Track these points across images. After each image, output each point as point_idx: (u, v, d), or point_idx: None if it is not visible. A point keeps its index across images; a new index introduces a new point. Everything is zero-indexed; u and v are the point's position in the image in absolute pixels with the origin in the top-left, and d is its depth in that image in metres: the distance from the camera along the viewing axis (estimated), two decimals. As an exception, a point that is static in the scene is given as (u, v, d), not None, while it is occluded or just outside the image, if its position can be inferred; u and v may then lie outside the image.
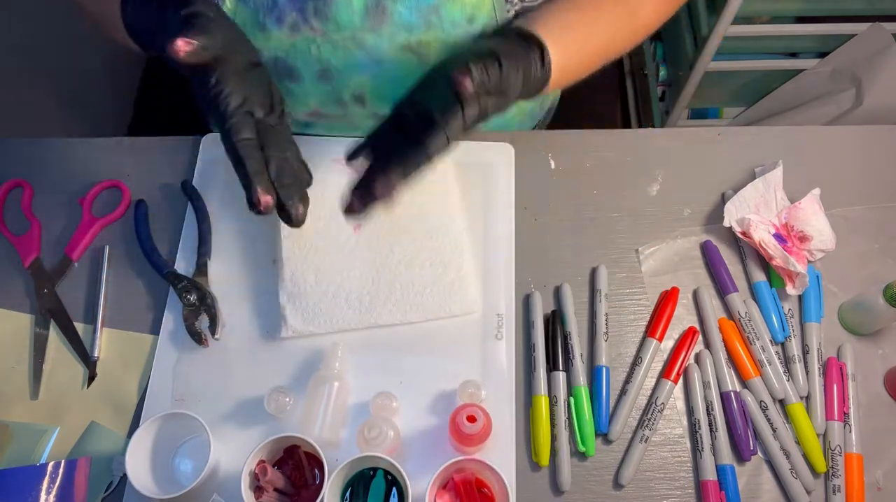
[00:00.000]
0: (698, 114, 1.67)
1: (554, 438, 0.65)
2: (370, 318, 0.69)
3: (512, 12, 0.71)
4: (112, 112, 1.78)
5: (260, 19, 0.67)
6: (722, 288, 0.72)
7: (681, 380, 0.69)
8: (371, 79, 0.72)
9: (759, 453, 0.65)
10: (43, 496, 0.62)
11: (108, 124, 1.76)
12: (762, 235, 0.71)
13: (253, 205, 0.52)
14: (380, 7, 0.67)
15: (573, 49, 0.64)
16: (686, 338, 0.70)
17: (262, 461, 0.60)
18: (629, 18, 0.68)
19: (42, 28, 1.47)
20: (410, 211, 0.73)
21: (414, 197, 0.73)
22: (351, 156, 0.56)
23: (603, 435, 0.66)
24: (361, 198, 0.52)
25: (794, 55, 1.46)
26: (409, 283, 0.70)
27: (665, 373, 0.68)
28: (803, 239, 0.72)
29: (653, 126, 1.67)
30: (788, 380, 0.67)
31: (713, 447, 0.65)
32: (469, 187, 0.76)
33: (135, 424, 0.67)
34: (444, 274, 0.70)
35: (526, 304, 0.72)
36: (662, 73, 1.67)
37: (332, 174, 0.73)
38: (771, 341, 0.69)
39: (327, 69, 0.71)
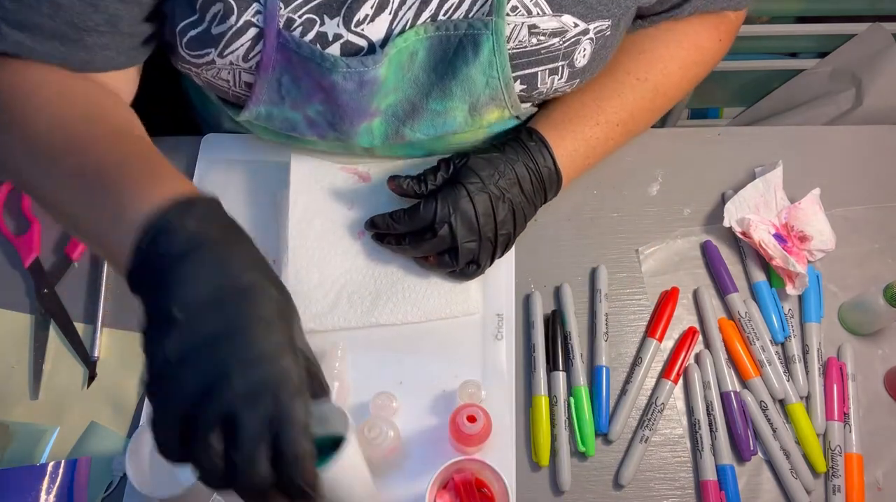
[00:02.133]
0: (698, 114, 1.67)
1: (554, 438, 0.65)
2: (371, 317, 0.69)
3: (531, 104, 0.72)
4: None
5: (281, 132, 0.70)
6: (722, 288, 0.72)
7: (681, 380, 0.69)
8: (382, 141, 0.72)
9: (759, 453, 0.65)
10: (43, 496, 0.62)
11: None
12: (762, 235, 0.71)
13: None
14: (399, 134, 0.68)
15: (589, 141, 0.71)
16: (686, 339, 0.70)
17: (262, 461, 0.60)
18: (652, 97, 0.73)
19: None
20: None
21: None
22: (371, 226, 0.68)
23: (603, 435, 0.66)
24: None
25: (794, 55, 1.46)
26: (411, 284, 0.70)
27: (665, 373, 0.68)
28: (803, 239, 0.72)
29: (653, 126, 1.67)
30: (788, 380, 0.67)
31: (713, 447, 0.65)
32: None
33: (135, 424, 0.67)
34: (444, 276, 0.70)
35: (526, 304, 0.72)
36: (662, 73, 1.66)
37: (337, 180, 0.74)
38: (771, 341, 0.69)
39: None
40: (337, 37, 0.59)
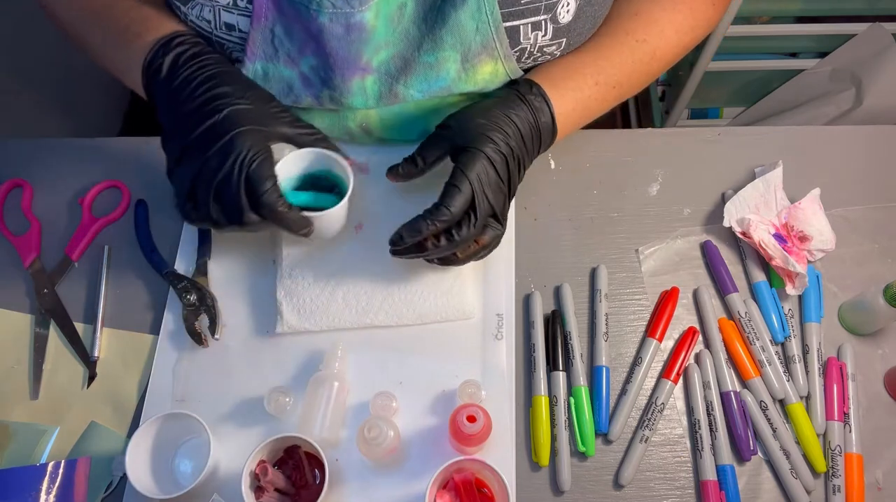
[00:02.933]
0: (698, 114, 1.67)
1: (554, 438, 0.65)
2: (366, 319, 0.69)
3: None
4: (112, 112, 1.78)
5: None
6: (722, 288, 0.72)
7: (681, 380, 0.69)
8: (378, 111, 0.72)
9: (759, 453, 0.65)
10: (43, 496, 0.62)
11: (107, 124, 1.76)
12: (762, 235, 0.71)
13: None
14: (392, 92, 0.68)
15: (586, 100, 0.69)
16: (686, 338, 0.70)
17: (263, 461, 0.60)
18: (648, 60, 0.71)
19: (41, 27, 1.47)
20: (411, 214, 0.73)
21: (412, 191, 0.74)
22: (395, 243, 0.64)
23: (603, 435, 0.66)
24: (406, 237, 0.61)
25: (794, 55, 1.46)
26: (407, 286, 0.70)
27: (665, 372, 0.68)
28: (803, 239, 0.72)
29: (653, 126, 1.67)
30: (788, 380, 0.67)
31: (713, 447, 0.65)
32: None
33: (135, 424, 0.67)
34: (442, 278, 0.70)
35: (526, 304, 0.72)
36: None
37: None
38: (771, 341, 0.69)
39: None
40: None
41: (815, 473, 0.65)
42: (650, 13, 0.70)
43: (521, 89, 0.65)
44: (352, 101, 0.68)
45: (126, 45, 0.64)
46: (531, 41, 0.65)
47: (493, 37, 0.64)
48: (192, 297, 0.70)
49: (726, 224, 0.73)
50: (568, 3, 0.63)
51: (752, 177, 0.77)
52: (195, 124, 0.58)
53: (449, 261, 0.65)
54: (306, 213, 0.61)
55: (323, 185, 0.66)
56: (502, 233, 0.64)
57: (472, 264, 0.71)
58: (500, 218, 0.63)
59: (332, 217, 0.63)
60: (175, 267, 0.73)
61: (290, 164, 0.63)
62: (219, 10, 0.63)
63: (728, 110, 1.65)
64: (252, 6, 0.62)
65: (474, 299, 0.70)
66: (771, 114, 1.51)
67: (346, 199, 0.63)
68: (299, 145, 0.62)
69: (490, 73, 0.68)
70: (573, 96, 0.67)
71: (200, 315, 0.70)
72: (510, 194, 0.64)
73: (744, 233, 0.72)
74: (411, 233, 0.60)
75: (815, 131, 0.83)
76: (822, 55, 1.42)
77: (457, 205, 0.60)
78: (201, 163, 0.57)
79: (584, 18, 0.66)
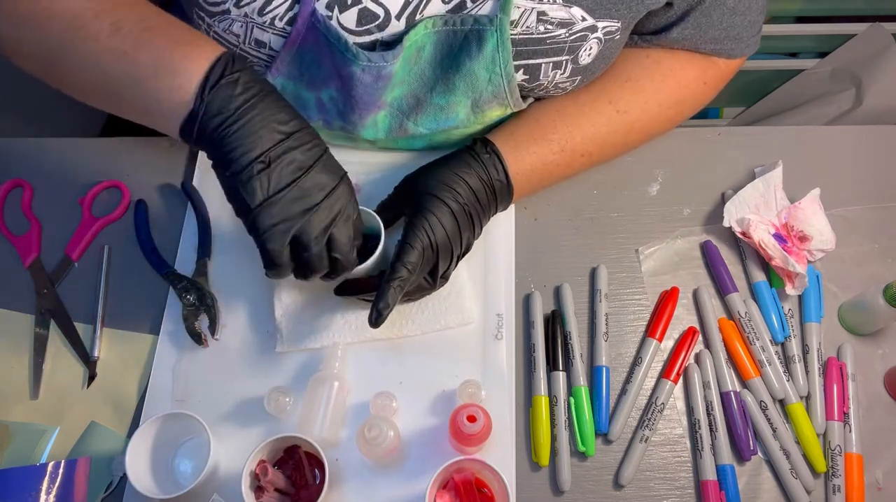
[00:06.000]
0: (698, 114, 1.67)
1: (554, 438, 0.65)
2: (366, 333, 0.69)
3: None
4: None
5: None
6: (722, 288, 0.72)
7: (681, 380, 0.69)
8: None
9: (759, 453, 0.65)
10: (43, 496, 0.62)
11: (106, 123, 1.76)
12: (762, 235, 0.71)
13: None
14: (402, 127, 0.69)
15: (546, 157, 0.70)
16: (686, 338, 0.70)
17: (263, 461, 0.60)
18: (626, 131, 0.72)
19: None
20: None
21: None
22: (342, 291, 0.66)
23: (603, 435, 0.66)
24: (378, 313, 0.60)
25: (794, 55, 1.46)
26: (404, 299, 0.70)
27: (665, 372, 0.68)
28: (803, 239, 0.72)
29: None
30: (788, 380, 0.67)
31: (713, 447, 0.65)
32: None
33: (135, 424, 0.67)
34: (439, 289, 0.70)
35: (526, 304, 0.72)
36: (662, 72, 1.67)
37: None
38: (771, 341, 0.69)
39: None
40: (355, 2, 0.60)
41: (815, 473, 0.65)
42: (639, 81, 0.72)
43: (475, 148, 0.67)
44: (363, 133, 0.70)
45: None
46: (550, 78, 0.66)
47: (505, 88, 0.65)
48: (192, 297, 0.70)
49: (726, 224, 0.73)
50: (591, 48, 0.64)
51: (752, 177, 0.77)
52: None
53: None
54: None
55: None
56: (432, 291, 0.67)
57: (471, 264, 0.72)
58: (437, 278, 0.65)
59: (369, 267, 0.65)
60: (175, 267, 0.73)
61: None
62: (252, 26, 0.62)
63: (728, 110, 1.65)
64: (290, 28, 0.61)
65: (473, 305, 0.70)
66: (771, 114, 1.51)
67: (379, 250, 0.64)
68: None
69: (498, 116, 0.69)
70: (533, 160, 0.69)
71: (200, 315, 0.70)
72: (463, 248, 0.66)
73: (744, 233, 0.72)
74: (386, 304, 0.60)
75: (815, 131, 0.83)
76: (822, 55, 1.42)
77: (413, 260, 0.61)
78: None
79: (601, 59, 0.67)
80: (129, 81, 0.55)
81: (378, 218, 0.65)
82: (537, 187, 0.73)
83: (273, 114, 0.53)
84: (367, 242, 0.65)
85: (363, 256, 0.64)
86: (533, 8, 0.60)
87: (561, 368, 0.68)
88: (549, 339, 0.69)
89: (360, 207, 0.63)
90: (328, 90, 0.67)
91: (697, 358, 0.69)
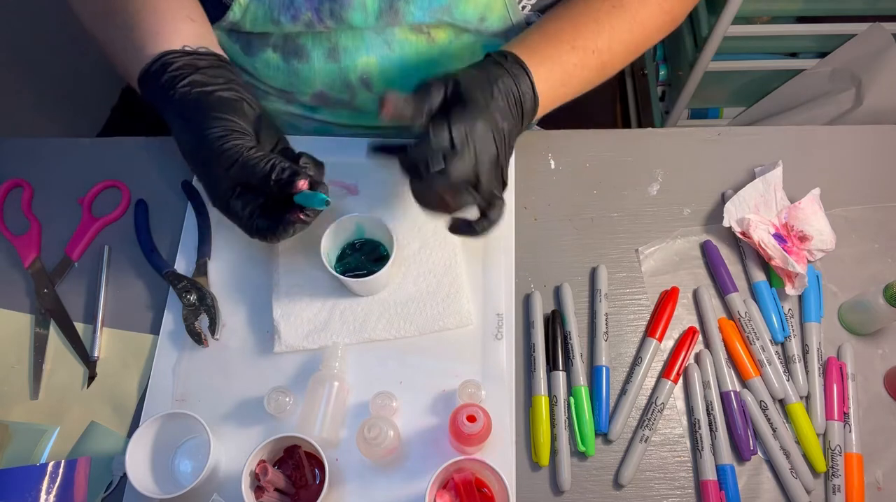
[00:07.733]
0: (698, 114, 1.67)
1: (554, 438, 0.65)
2: (364, 334, 0.69)
3: (528, 8, 0.71)
4: (111, 111, 1.79)
5: (274, 16, 0.68)
6: (722, 288, 0.72)
7: (681, 380, 0.69)
8: (379, 60, 0.73)
9: (759, 453, 0.65)
10: (43, 496, 0.62)
11: (105, 123, 1.76)
12: (762, 235, 0.71)
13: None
14: (393, 9, 0.68)
15: (565, 66, 0.67)
16: (686, 338, 0.70)
17: (263, 461, 0.60)
18: (629, 27, 0.69)
19: (40, 27, 1.47)
20: (404, 223, 0.73)
21: (407, 209, 0.74)
22: (375, 150, 0.62)
23: (603, 435, 0.66)
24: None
25: (794, 55, 1.46)
26: (403, 298, 0.70)
27: (665, 372, 0.68)
28: (803, 239, 0.72)
29: (653, 126, 1.67)
30: (788, 380, 0.67)
31: (713, 447, 0.65)
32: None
33: (135, 424, 0.67)
34: (438, 288, 0.70)
35: (526, 304, 0.72)
36: (662, 72, 1.67)
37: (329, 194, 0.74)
38: (771, 341, 0.69)
39: (335, 48, 0.72)
40: None
41: (814, 473, 0.65)
42: None
43: (496, 58, 0.63)
44: (351, 16, 0.68)
45: (130, 51, 0.64)
46: None
47: None
48: (192, 297, 0.70)
49: (726, 224, 0.73)
50: None
51: (752, 176, 0.77)
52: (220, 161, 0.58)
53: (467, 230, 0.62)
54: (353, 280, 0.66)
55: (356, 247, 0.71)
56: (483, 216, 0.61)
57: (471, 264, 0.72)
58: (491, 188, 0.59)
59: (381, 279, 0.67)
60: (175, 267, 0.73)
61: (333, 235, 0.68)
62: None
63: (728, 110, 1.65)
64: None
65: (471, 307, 0.70)
66: (771, 114, 1.51)
67: (390, 262, 0.66)
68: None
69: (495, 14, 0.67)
70: (552, 62, 0.65)
71: (200, 315, 0.70)
72: (505, 171, 0.61)
73: (743, 233, 0.72)
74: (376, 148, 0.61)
75: (815, 131, 0.83)
76: (822, 55, 1.42)
77: (423, 146, 0.56)
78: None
79: None
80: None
81: (390, 230, 0.67)
82: (557, 96, 0.67)
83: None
84: (377, 253, 0.68)
85: (376, 264, 0.67)
86: None
87: (561, 368, 0.68)
88: (549, 339, 0.69)
89: (371, 216, 0.67)
90: None
91: (697, 357, 0.69)
